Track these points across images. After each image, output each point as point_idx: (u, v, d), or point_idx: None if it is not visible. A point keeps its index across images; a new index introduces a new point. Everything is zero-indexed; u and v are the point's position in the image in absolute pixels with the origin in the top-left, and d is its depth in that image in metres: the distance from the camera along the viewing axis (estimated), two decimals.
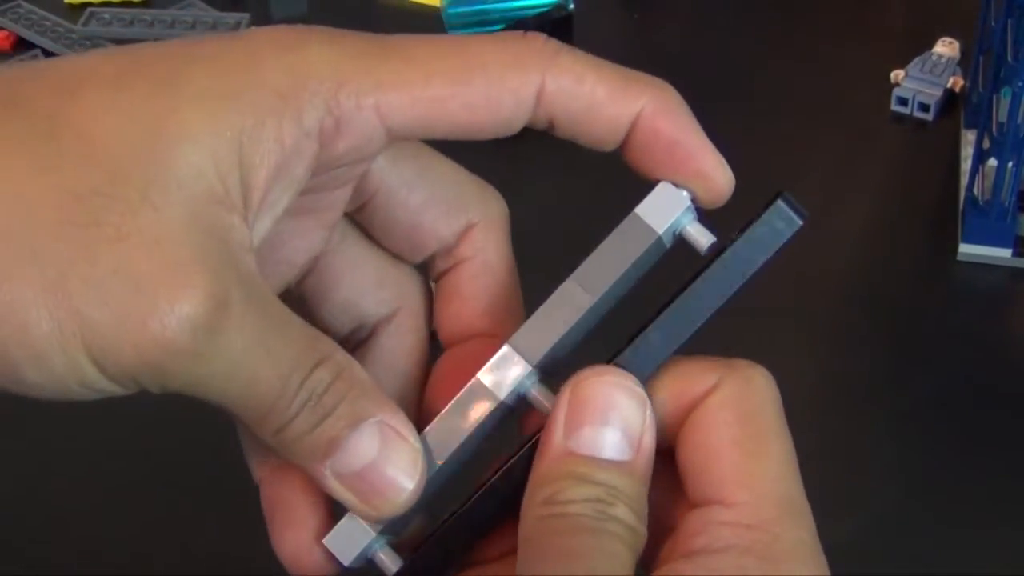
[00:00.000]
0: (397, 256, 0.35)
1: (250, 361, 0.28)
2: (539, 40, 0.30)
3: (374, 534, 0.32)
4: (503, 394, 0.31)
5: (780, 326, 0.67)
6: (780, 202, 0.32)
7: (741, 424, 0.30)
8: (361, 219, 0.34)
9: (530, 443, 0.31)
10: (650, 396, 0.31)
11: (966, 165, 0.74)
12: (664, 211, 0.31)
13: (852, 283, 0.70)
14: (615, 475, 0.30)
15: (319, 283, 0.34)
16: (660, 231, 0.31)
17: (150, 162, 0.27)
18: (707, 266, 0.31)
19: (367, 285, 0.35)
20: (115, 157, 0.27)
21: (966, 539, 0.57)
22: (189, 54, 0.29)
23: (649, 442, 0.30)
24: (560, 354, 0.32)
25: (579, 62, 0.31)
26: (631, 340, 0.31)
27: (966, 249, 0.70)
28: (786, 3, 0.93)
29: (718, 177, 0.34)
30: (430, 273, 0.35)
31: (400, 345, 0.35)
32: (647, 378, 0.31)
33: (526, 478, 0.30)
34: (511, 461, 0.32)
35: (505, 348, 0.31)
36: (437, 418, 0.32)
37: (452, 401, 0.32)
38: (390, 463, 0.30)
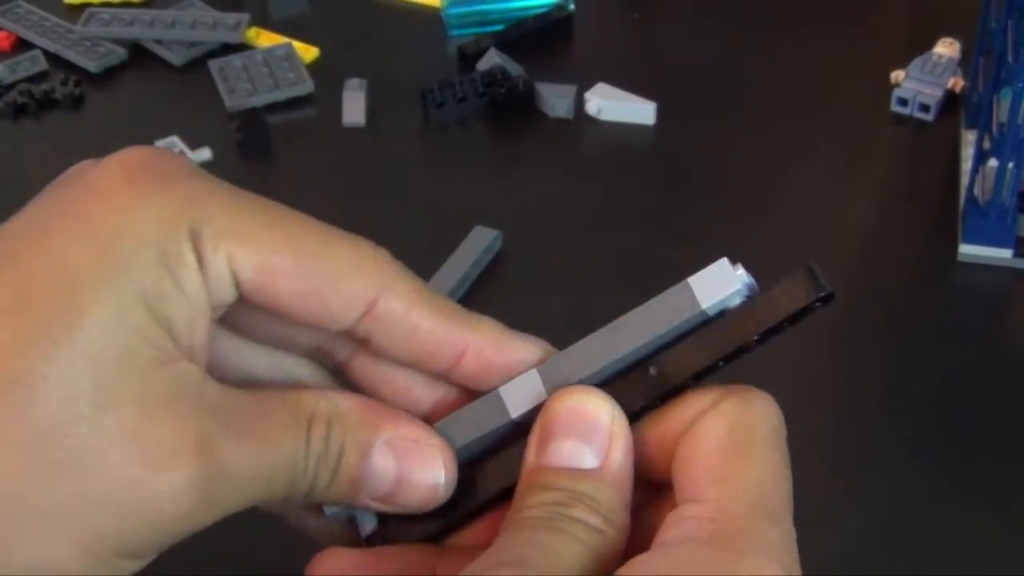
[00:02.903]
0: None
1: (256, 468, 0.30)
2: (388, 259, 0.32)
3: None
4: (515, 413, 0.32)
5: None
6: (811, 267, 0.32)
7: (730, 434, 0.31)
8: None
9: (512, 448, 0.33)
10: (648, 422, 0.32)
11: (966, 165, 0.74)
12: (716, 289, 0.32)
13: (852, 283, 0.70)
14: (577, 481, 0.31)
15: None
16: (705, 306, 0.31)
17: (84, 384, 0.28)
18: (717, 317, 0.32)
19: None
20: (48, 399, 0.27)
21: (966, 539, 0.57)
22: (56, 249, 0.29)
23: (619, 449, 0.31)
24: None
25: (417, 294, 0.32)
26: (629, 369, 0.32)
27: (966, 249, 0.70)
28: (786, 3, 0.93)
29: (543, 351, 0.34)
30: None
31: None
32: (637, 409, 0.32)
33: (503, 479, 0.32)
34: (492, 458, 0.33)
35: (532, 372, 0.32)
36: (449, 416, 0.33)
37: (466, 406, 0.33)
38: (414, 469, 0.32)
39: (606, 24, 0.93)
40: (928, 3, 0.93)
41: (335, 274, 0.31)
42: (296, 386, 0.33)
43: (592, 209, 0.76)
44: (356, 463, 0.32)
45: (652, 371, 0.32)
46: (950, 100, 0.82)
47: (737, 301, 0.31)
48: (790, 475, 0.31)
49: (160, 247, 0.29)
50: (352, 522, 0.34)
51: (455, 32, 0.90)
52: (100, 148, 0.91)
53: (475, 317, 0.33)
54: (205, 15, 0.91)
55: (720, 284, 0.31)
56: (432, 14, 0.92)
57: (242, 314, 0.33)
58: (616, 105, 0.82)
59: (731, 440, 0.31)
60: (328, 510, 0.34)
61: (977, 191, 0.71)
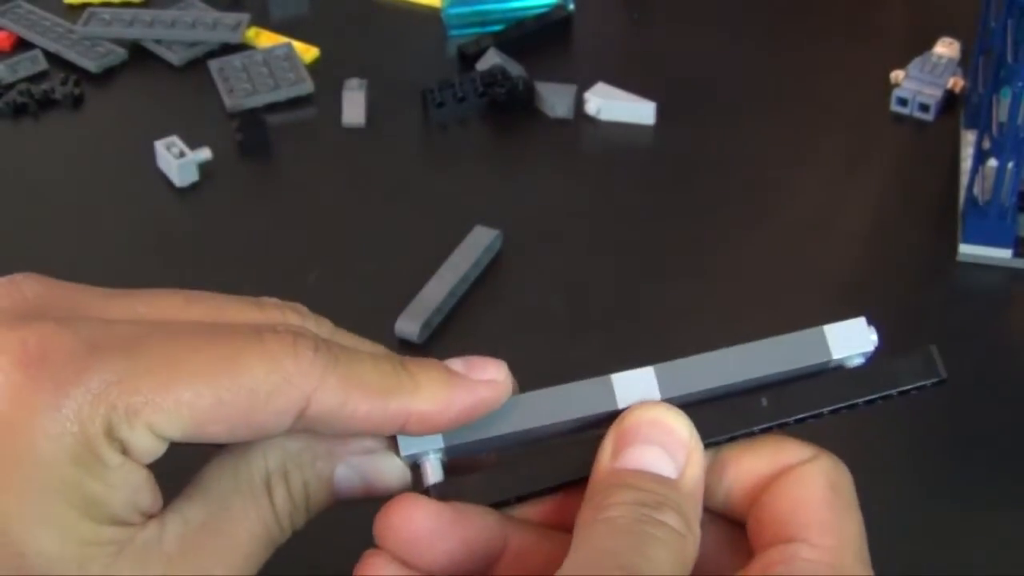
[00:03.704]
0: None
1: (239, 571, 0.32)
2: (308, 356, 0.31)
3: (439, 444, 0.33)
4: (620, 403, 0.33)
5: (780, 326, 0.67)
6: (930, 350, 0.35)
7: (833, 490, 0.33)
8: None
9: (596, 434, 0.33)
10: (734, 462, 0.33)
11: (966, 165, 0.74)
12: (848, 343, 0.34)
13: (852, 283, 0.70)
14: (660, 486, 0.31)
15: None
16: (836, 357, 0.33)
17: None
18: (834, 369, 0.33)
19: None
20: None
21: (966, 539, 0.57)
22: None
23: (696, 464, 0.32)
24: (689, 402, 0.33)
25: (347, 381, 0.31)
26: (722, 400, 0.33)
27: (966, 249, 0.70)
28: (786, 3, 0.93)
29: (500, 391, 0.34)
30: None
31: None
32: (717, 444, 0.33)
33: (582, 461, 0.32)
34: (573, 439, 0.33)
35: (650, 369, 0.33)
36: (548, 390, 0.34)
37: (577, 382, 0.33)
38: (378, 476, 0.33)
39: (606, 24, 0.93)
40: (928, 3, 0.93)
41: (257, 402, 0.30)
42: (240, 448, 0.33)
43: (592, 209, 0.76)
44: (324, 495, 0.33)
45: (764, 402, 0.33)
46: (950, 100, 0.82)
47: (859, 361, 0.34)
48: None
49: (75, 460, 0.29)
50: (416, 469, 0.34)
51: (455, 32, 0.90)
52: (100, 148, 0.92)
53: (414, 379, 0.32)
54: (205, 15, 0.91)
55: (854, 340, 0.34)
56: (432, 14, 0.92)
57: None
58: (616, 105, 0.82)
59: (835, 496, 0.33)
60: (404, 451, 0.33)
61: (977, 191, 0.71)
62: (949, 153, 0.78)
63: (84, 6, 0.92)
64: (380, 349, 0.34)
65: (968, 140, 0.76)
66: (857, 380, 0.33)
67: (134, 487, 0.30)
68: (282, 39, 0.89)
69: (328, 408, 0.31)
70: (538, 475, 0.33)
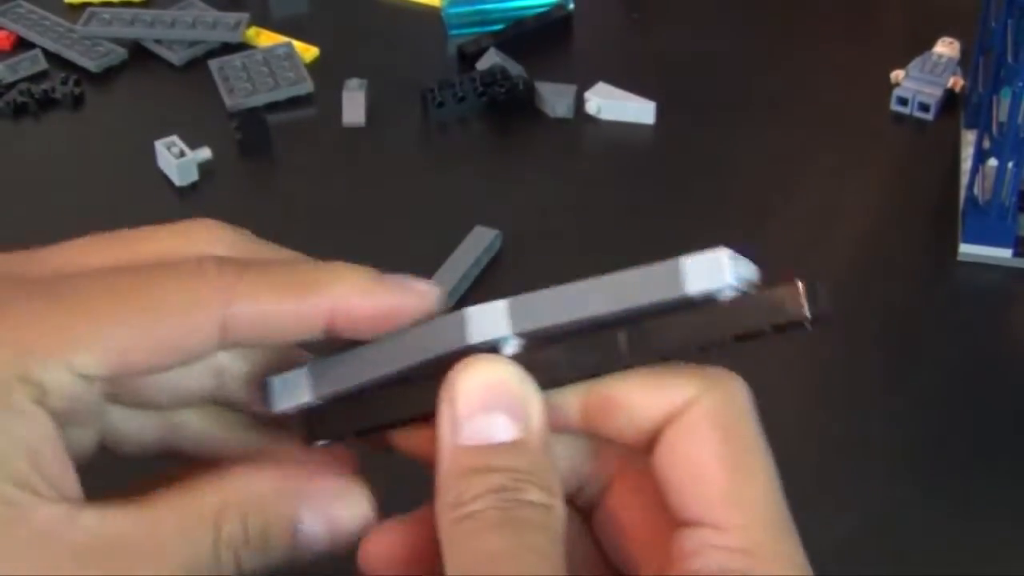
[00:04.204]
0: None
1: None
2: (214, 270, 0.31)
3: (310, 398, 0.33)
4: (471, 339, 0.31)
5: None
6: (815, 284, 0.30)
7: (726, 440, 0.31)
8: None
9: (449, 356, 0.32)
10: (624, 403, 0.31)
11: (966, 165, 0.74)
12: (706, 277, 0.30)
13: (852, 283, 0.70)
14: (511, 457, 0.30)
15: None
16: (690, 292, 0.30)
17: None
18: (704, 302, 0.30)
19: None
20: None
21: (965, 539, 0.57)
22: None
23: (538, 412, 0.31)
24: (543, 338, 0.32)
25: (257, 285, 0.31)
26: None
27: (966, 249, 0.70)
28: (786, 3, 0.93)
29: (425, 298, 0.34)
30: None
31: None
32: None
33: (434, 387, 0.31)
34: (423, 362, 0.32)
35: (503, 302, 0.31)
36: (400, 331, 0.32)
37: (426, 322, 0.32)
38: (343, 521, 0.32)
39: (606, 24, 0.93)
40: (928, 3, 0.93)
41: (173, 320, 0.30)
42: (201, 478, 0.32)
43: (592, 209, 0.76)
44: (287, 539, 0.31)
45: (621, 339, 0.31)
46: (950, 100, 0.82)
47: (728, 294, 0.30)
48: (775, 465, 0.31)
49: None
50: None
51: (455, 32, 0.90)
52: (100, 148, 0.92)
53: (335, 273, 0.32)
54: (205, 14, 0.91)
55: (712, 274, 0.30)
56: (432, 14, 0.92)
57: (115, 388, 0.32)
58: (616, 104, 0.82)
59: (728, 449, 0.30)
60: (278, 405, 0.33)
61: (977, 191, 0.71)
62: (949, 153, 0.78)
63: (84, 6, 0.92)
64: (302, 256, 0.34)
65: (968, 140, 0.76)
66: (726, 315, 0.30)
67: (43, 440, 0.29)
68: (282, 38, 0.89)
69: (248, 315, 0.31)
70: (394, 407, 0.32)
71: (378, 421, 0.33)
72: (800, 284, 0.30)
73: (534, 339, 0.32)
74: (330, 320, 0.32)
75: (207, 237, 0.33)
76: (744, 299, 0.30)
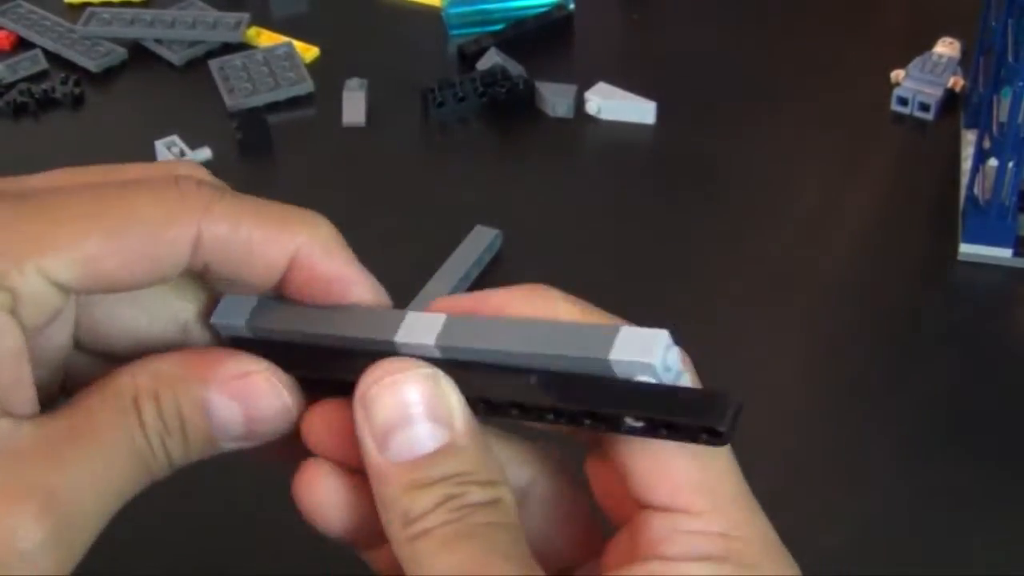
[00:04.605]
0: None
1: (102, 483, 0.29)
2: (192, 188, 0.31)
3: (243, 320, 0.33)
4: (396, 337, 0.31)
5: (780, 325, 0.67)
6: (727, 398, 0.28)
7: None
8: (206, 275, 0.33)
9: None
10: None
11: (966, 165, 0.74)
12: (633, 351, 0.29)
13: (852, 283, 0.70)
14: (445, 463, 0.29)
15: None
16: (612, 359, 0.29)
17: None
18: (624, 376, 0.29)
19: None
20: None
21: (965, 539, 0.57)
22: None
23: (461, 413, 0.30)
24: (464, 361, 0.31)
25: (234, 208, 0.31)
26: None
27: (966, 249, 0.70)
28: (786, 3, 0.93)
29: (376, 301, 0.33)
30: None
31: None
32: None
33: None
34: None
35: (442, 316, 0.31)
36: (346, 308, 0.33)
37: (373, 309, 0.32)
38: (257, 403, 0.32)
39: (606, 24, 0.93)
40: (928, 3, 0.93)
41: (147, 230, 0.30)
42: (114, 369, 0.32)
43: (592, 209, 0.76)
44: (200, 420, 0.31)
45: (532, 380, 0.30)
46: (950, 100, 0.82)
47: (646, 376, 0.29)
48: None
49: None
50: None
51: (455, 32, 0.90)
52: (100, 148, 0.92)
53: (308, 219, 0.32)
54: (205, 14, 0.91)
55: (640, 350, 0.29)
56: (432, 14, 0.92)
57: (87, 333, 0.32)
58: (616, 104, 0.82)
59: None
60: (216, 318, 0.34)
61: (977, 191, 0.71)
62: (949, 153, 0.78)
63: (84, 6, 0.92)
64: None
65: (968, 140, 0.76)
66: (634, 394, 0.29)
67: (5, 351, 0.29)
68: (282, 38, 0.89)
69: (221, 235, 0.31)
70: (311, 366, 0.32)
71: (292, 372, 0.33)
72: (734, 400, 0.28)
73: (455, 358, 0.31)
74: (289, 266, 0.32)
75: (187, 170, 0.32)
76: (657, 390, 0.29)
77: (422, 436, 0.30)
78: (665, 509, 0.30)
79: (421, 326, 0.31)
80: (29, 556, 0.28)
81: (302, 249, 0.32)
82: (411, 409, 0.30)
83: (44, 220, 0.30)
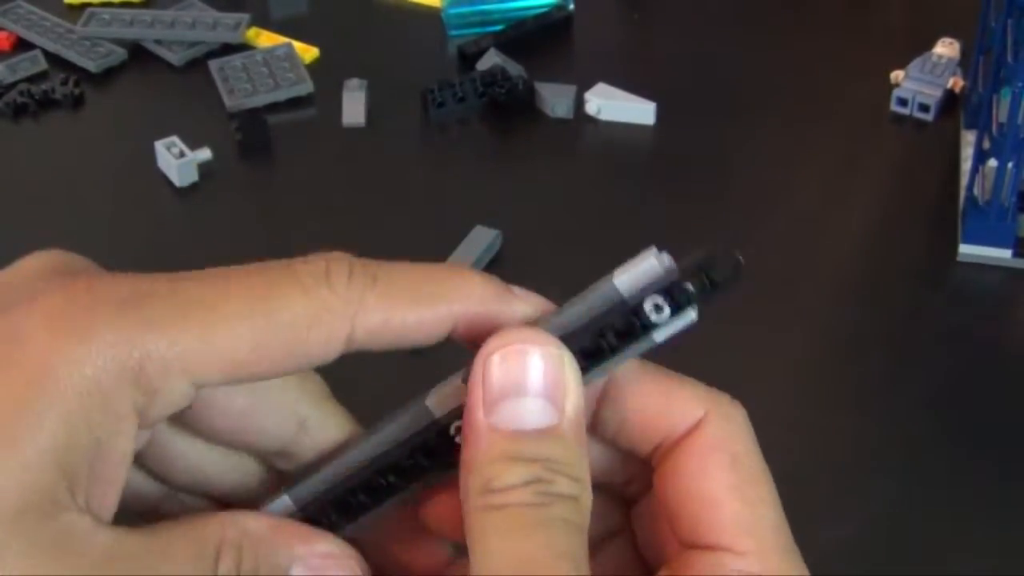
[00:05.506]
0: None
1: None
2: (343, 281, 0.30)
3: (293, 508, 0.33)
4: (437, 413, 0.31)
5: (780, 325, 0.67)
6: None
7: (735, 469, 0.31)
8: None
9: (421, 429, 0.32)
10: (626, 404, 0.32)
11: (966, 165, 0.74)
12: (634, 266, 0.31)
13: (852, 283, 0.70)
14: (546, 445, 0.29)
15: None
16: (614, 282, 0.31)
17: None
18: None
19: None
20: None
21: (966, 539, 0.57)
22: None
23: (575, 400, 0.30)
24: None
25: (387, 295, 0.30)
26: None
27: (966, 249, 0.70)
28: (786, 3, 0.93)
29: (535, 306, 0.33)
30: None
31: None
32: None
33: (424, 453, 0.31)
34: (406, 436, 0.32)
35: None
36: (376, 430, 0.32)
37: (393, 413, 0.32)
38: None
39: (606, 24, 0.93)
40: (928, 3, 0.93)
41: (298, 336, 0.30)
42: (203, 513, 0.32)
43: (592, 209, 0.76)
44: None
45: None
46: (950, 100, 0.82)
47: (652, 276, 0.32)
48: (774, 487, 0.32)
49: (87, 398, 0.28)
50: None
51: (455, 32, 0.90)
52: (100, 148, 0.91)
53: (464, 280, 0.31)
54: (205, 15, 0.91)
55: (637, 262, 0.32)
56: (432, 14, 0.92)
57: (195, 414, 0.32)
58: (616, 105, 0.82)
59: (739, 478, 0.31)
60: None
61: (977, 191, 0.71)
62: (949, 153, 0.78)
63: (84, 6, 0.92)
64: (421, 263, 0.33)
65: (968, 140, 0.76)
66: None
67: (114, 452, 0.29)
68: (282, 39, 0.89)
69: (374, 327, 0.30)
70: (372, 492, 0.32)
71: (363, 507, 0.33)
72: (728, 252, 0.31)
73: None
74: (454, 328, 0.31)
75: (337, 259, 0.31)
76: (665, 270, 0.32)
77: (533, 411, 0.29)
78: (711, 548, 0.30)
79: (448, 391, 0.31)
80: None
81: (460, 319, 0.31)
82: (529, 379, 0.29)
83: (192, 321, 0.29)
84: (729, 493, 0.30)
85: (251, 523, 0.31)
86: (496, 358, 0.30)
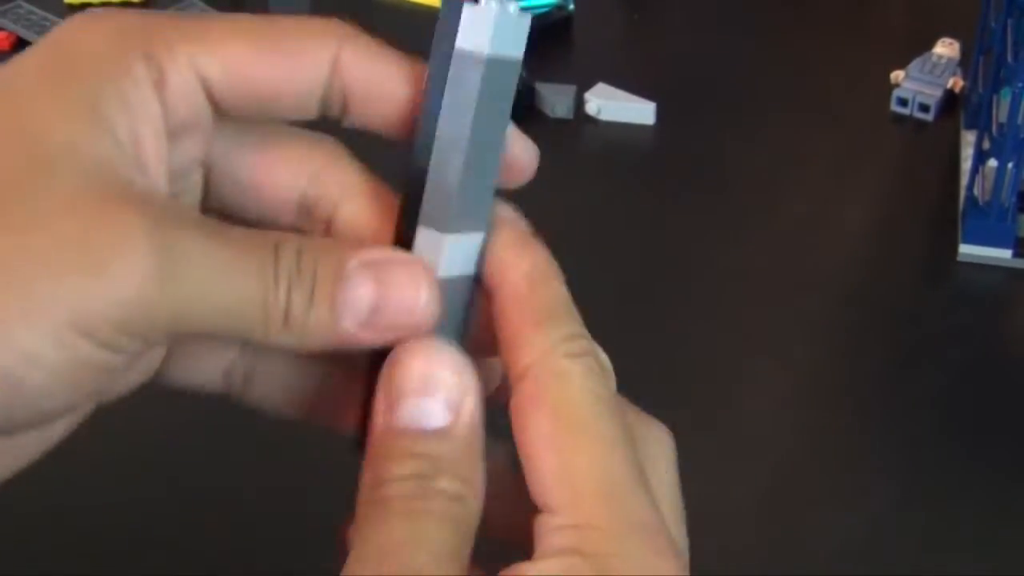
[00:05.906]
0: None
1: (218, 275, 0.29)
2: (338, 21, 0.34)
3: None
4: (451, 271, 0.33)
5: (780, 326, 0.67)
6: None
7: (552, 420, 0.30)
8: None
9: None
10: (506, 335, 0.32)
11: (966, 165, 0.74)
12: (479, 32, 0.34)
13: (852, 283, 0.70)
14: (434, 443, 0.30)
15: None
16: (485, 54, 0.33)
17: (27, 165, 0.27)
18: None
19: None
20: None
21: (965, 539, 0.57)
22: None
23: (470, 405, 0.30)
24: (471, 197, 0.35)
25: (376, 43, 0.34)
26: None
27: (966, 250, 0.70)
28: (786, 3, 0.93)
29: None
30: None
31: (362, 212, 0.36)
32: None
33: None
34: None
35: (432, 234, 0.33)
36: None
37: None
38: (395, 287, 0.31)
39: (606, 24, 0.93)
40: (928, 3, 0.93)
41: (291, 45, 0.32)
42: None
43: (592, 209, 0.76)
44: (332, 283, 0.30)
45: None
46: (950, 100, 0.82)
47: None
48: (622, 439, 0.30)
49: (103, 60, 0.29)
50: None
51: None
52: None
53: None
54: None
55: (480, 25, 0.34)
56: (432, 14, 0.92)
57: (229, 159, 0.34)
58: (616, 105, 0.82)
59: (554, 427, 0.30)
60: None
61: (977, 191, 0.71)
62: (949, 153, 0.78)
63: (84, 6, 0.92)
64: None
65: (968, 140, 0.76)
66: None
67: (143, 123, 0.29)
68: None
69: (360, 57, 0.34)
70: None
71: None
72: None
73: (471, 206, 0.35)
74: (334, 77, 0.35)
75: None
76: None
77: (428, 412, 0.30)
78: (540, 509, 0.29)
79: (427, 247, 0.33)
80: (126, 242, 0.27)
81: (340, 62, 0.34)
82: (431, 383, 0.30)
83: (195, 22, 0.31)
84: (546, 446, 0.29)
85: (311, 234, 0.33)
86: (402, 360, 0.31)
